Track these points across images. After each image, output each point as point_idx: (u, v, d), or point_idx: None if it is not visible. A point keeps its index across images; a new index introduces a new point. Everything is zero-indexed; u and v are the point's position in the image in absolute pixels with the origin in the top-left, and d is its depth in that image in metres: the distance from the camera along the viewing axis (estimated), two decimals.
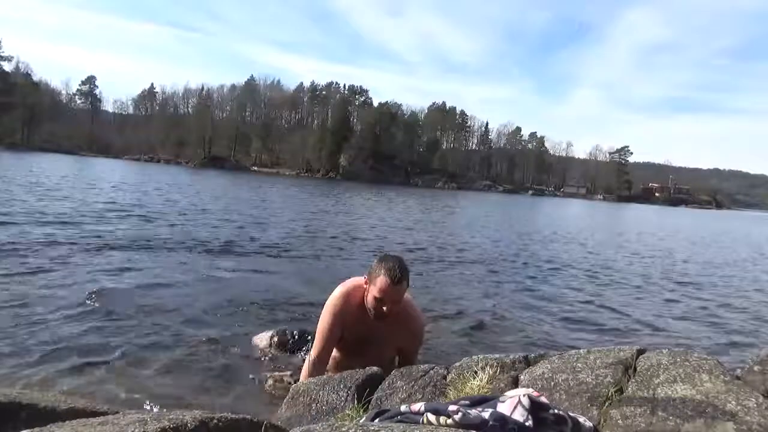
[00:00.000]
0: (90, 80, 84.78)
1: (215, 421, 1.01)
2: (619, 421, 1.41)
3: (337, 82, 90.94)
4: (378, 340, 2.41)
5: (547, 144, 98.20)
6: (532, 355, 1.94)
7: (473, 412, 1.16)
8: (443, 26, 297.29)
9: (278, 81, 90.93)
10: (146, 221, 8.87)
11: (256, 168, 72.92)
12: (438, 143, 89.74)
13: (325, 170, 73.50)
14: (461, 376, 1.79)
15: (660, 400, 1.45)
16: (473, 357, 1.95)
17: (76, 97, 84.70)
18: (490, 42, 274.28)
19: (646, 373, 1.63)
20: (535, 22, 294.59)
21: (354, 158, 75.51)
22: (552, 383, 1.66)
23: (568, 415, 1.27)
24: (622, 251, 11.30)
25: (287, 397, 1.96)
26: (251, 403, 2.43)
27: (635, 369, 1.68)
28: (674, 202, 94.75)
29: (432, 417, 1.17)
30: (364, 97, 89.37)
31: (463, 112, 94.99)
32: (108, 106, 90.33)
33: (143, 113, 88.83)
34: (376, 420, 1.25)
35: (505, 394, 1.32)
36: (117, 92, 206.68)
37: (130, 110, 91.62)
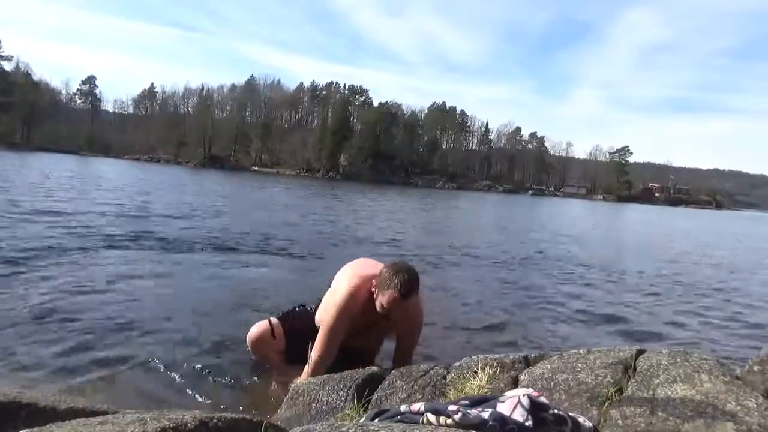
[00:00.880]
0: (90, 80, 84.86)
1: (215, 421, 1.01)
2: (619, 421, 1.41)
3: (337, 82, 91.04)
4: (379, 330, 2.50)
5: (547, 144, 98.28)
6: (532, 355, 1.94)
7: (473, 412, 1.16)
8: (443, 26, 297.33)
9: (278, 81, 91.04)
10: (151, 221, 8.87)
11: (256, 168, 72.91)
12: (438, 143, 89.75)
13: (325, 170, 73.50)
14: (461, 376, 1.80)
15: (660, 400, 1.46)
16: (473, 357, 1.95)
17: (76, 96, 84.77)
18: (490, 42, 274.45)
19: (646, 373, 1.63)
20: (535, 22, 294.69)
21: (354, 158, 75.54)
22: (552, 383, 1.66)
23: (568, 415, 1.27)
24: (624, 252, 11.29)
25: (287, 397, 1.96)
26: (251, 403, 2.43)
27: (635, 369, 1.68)
28: (674, 202, 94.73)
29: (432, 417, 1.17)
30: (364, 97, 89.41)
31: (463, 112, 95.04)
32: (108, 106, 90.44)
33: (143, 113, 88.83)
34: (376, 420, 1.25)
35: (505, 394, 1.32)
36: (117, 92, 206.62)
37: (130, 110, 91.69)
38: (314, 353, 2.34)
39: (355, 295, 2.37)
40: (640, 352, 1.82)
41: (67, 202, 10.64)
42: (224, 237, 7.77)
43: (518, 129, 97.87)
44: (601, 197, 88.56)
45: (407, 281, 2.17)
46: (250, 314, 3.84)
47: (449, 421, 1.14)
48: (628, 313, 5.16)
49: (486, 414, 1.16)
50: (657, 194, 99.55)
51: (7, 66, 69.84)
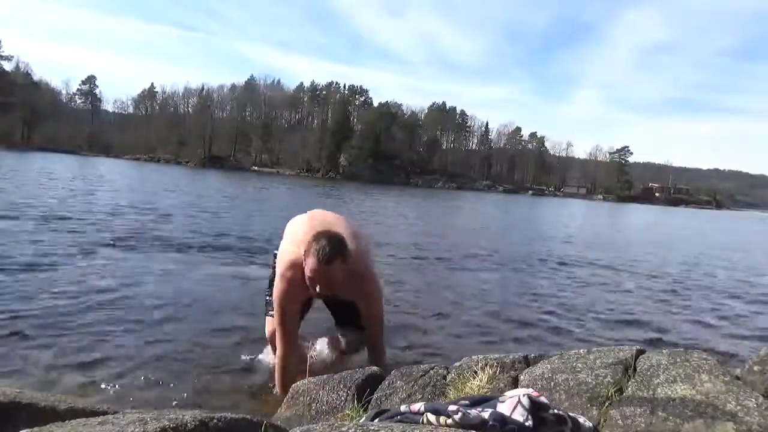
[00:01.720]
0: (90, 80, 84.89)
1: (215, 421, 1.01)
2: (619, 421, 1.41)
3: (337, 82, 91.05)
4: (341, 300, 2.44)
5: (547, 144, 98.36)
6: (532, 355, 1.94)
7: (473, 412, 1.16)
8: (443, 26, 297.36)
9: (278, 81, 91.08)
10: (157, 221, 8.87)
11: (256, 168, 72.95)
12: (438, 143, 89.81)
13: (325, 170, 73.52)
14: (461, 376, 1.80)
15: (660, 400, 1.46)
16: (473, 357, 1.95)
17: (76, 96, 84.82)
18: (490, 42, 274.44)
19: (646, 373, 1.63)
20: (536, 22, 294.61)
21: (354, 158, 75.53)
22: (552, 383, 1.66)
23: (568, 415, 1.27)
24: (627, 252, 11.29)
25: (287, 396, 1.96)
26: (251, 403, 2.43)
27: (635, 369, 1.68)
28: (674, 202, 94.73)
29: (432, 417, 1.17)
30: (364, 97, 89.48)
31: (463, 112, 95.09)
32: (108, 106, 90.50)
33: (143, 113, 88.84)
34: (376, 420, 1.25)
35: (505, 394, 1.32)
36: (117, 92, 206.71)
37: (130, 110, 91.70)
38: (276, 354, 2.41)
39: (289, 275, 2.28)
40: (640, 352, 1.82)
41: (68, 202, 10.64)
42: (230, 236, 7.77)
43: (518, 129, 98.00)
44: (601, 197, 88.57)
45: (325, 246, 2.06)
46: (254, 314, 3.84)
47: (449, 421, 1.14)
48: (629, 313, 5.15)
49: (486, 414, 1.16)
50: (657, 194, 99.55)
51: (7, 66, 70.02)
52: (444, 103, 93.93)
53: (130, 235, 7.09)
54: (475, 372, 1.78)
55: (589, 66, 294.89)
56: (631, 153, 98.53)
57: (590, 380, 1.62)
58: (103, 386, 2.49)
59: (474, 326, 4.17)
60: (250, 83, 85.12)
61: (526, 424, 1.15)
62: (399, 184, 64.26)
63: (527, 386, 1.61)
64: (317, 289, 2.15)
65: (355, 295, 2.38)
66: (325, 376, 2.01)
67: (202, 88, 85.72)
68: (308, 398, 1.85)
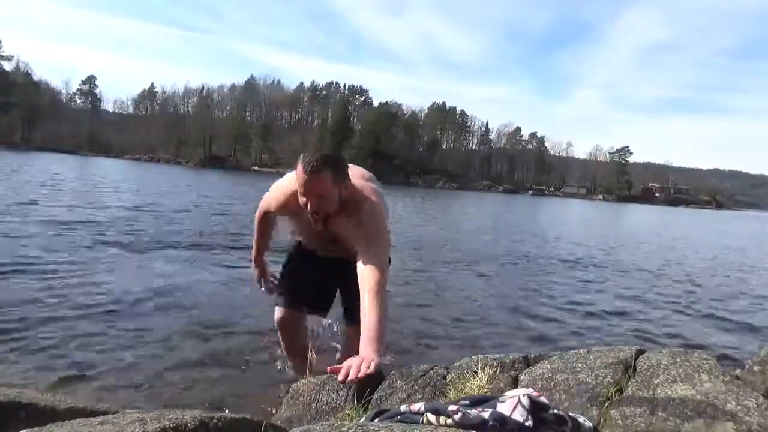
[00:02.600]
0: (90, 80, 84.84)
1: (215, 421, 1.01)
2: (619, 421, 1.41)
3: (337, 82, 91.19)
4: (334, 238, 2.13)
5: (547, 144, 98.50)
6: (532, 355, 1.94)
7: (473, 412, 1.16)
8: (443, 26, 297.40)
9: (278, 81, 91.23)
10: (160, 220, 8.87)
11: (256, 168, 72.95)
12: (438, 143, 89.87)
13: None
14: (461, 376, 1.79)
15: (660, 400, 1.46)
16: (473, 357, 1.95)
17: (76, 96, 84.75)
18: (490, 42, 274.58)
19: (646, 373, 1.63)
20: (536, 22, 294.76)
21: (354, 158, 75.35)
22: (552, 383, 1.66)
23: (568, 415, 1.27)
24: (629, 252, 11.29)
25: (287, 396, 1.96)
26: (251, 403, 2.43)
27: (635, 369, 1.68)
28: (674, 202, 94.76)
29: (432, 417, 1.17)
30: (364, 97, 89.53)
31: (463, 112, 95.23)
32: (108, 106, 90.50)
33: (143, 113, 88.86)
34: (376, 420, 1.25)
35: (505, 394, 1.32)
36: (117, 92, 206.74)
37: (130, 110, 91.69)
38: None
39: (282, 188, 2.21)
40: (640, 351, 1.82)
41: (69, 202, 10.64)
42: (235, 235, 7.77)
43: (518, 129, 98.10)
44: (601, 197, 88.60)
45: (312, 156, 1.89)
46: (256, 314, 3.84)
47: (449, 421, 1.14)
48: (630, 313, 5.16)
49: (486, 414, 1.16)
50: (657, 194, 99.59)
51: (7, 66, 70.01)
52: (444, 103, 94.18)
53: (131, 234, 7.09)
54: (475, 372, 1.78)
55: (589, 66, 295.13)
56: (631, 153, 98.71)
57: (590, 380, 1.62)
58: (103, 386, 2.49)
59: (474, 326, 4.18)
60: (250, 83, 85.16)
61: (526, 424, 1.15)
62: (399, 184, 64.22)
63: (527, 386, 1.61)
64: (308, 208, 1.95)
65: (354, 230, 2.02)
66: (325, 376, 2.01)
67: (202, 88, 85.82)
68: (308, 398, 1.85)
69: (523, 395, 1.22)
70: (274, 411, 2.01)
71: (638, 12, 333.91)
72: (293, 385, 2.01)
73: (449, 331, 3.98)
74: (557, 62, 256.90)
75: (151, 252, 6.06)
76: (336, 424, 1.01)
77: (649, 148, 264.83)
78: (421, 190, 54.48)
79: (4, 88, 64.62)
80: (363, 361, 1.60)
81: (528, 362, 1.88)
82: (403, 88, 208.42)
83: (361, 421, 1.28)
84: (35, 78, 73.81)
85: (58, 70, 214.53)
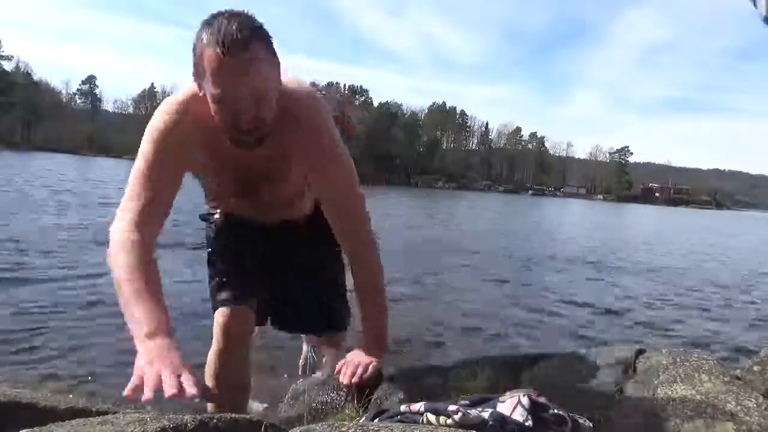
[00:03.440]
0: (90, 80, 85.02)
1: (215, 421, 1.01)
2: (619, 421, 1.41)
3: (337, 82, 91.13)
4: (270, 175, 1.43)
5: (547, 144, 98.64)
6: (532, 355, 1.94)
7: (473, 412, 1.16)
8: (443, 26, 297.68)
9: None
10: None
11: None
12: (438, 143, 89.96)
13: None
14: (461, 376, 1.80)
15: (660, 400, 1.46)
16: (473, 357, 1.96)
17: (77, 96, 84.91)
18: (490, 42, 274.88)
19: (646, 373, 1.63)
20: (536, 22, 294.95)
21: (354, 158, 75.51)
22: (552, 383, 1.66)
23: (568, 415, 1.27)
24: (631, 252, 11.29)
25: (287, 396, 1.96)
26: (251, 403, 2.43)
27: (635, 369, 1.69)
28: (674, 202, 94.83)
29: (432, 417, 1.17)
30: (364, 97, 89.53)
31: (463, 112, 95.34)
32: (108, 106, 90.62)
33: (143, 113, 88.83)
34: (376, 420, 1.25)
35: (505, 394, 1.32)
36: (117, 92, 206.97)
37: (131, 110, 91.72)
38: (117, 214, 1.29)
39: (181, 112, 1.24)
40: (640, 351, 1.82)
41: (70, 201, 10.64)
42: None
43: (518, 129, 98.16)
44: (601, 197, 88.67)
45: (227, 24, 1.05)
46: None
47: (449, 421, 1.14)
48: (630, 313, 5.16)
49: (486, 414, 1.16)
50: (657, 194, 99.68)
51: (7, 66, 70.06)
52: (444, 103, 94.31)
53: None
54: (475, 372, 1.78)
55: (589, 66, 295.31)
56: (631, 153, 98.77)
57: (590, 380, 1.62)
58: (103, 386, 2.49)
59: (474, 326, 4.18)
60: None
61: (526, 424, 1.15)
62: (399, 184, 64.26)
63: (527, 386, 1.61)
64: (238, 122, 1.13)
65: (306, 155, 1.35)
66: (325, 375, 2.02)
67: None
68: (308, 398, 1.85)
69: (523, 395, 1.21)
70: (274, 411, 2.01)
71: (638, 12, 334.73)
72: (293, 385, 2.01)
73: (449, 331, 3.98)
74: (557, 62, 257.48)
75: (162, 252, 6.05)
76: (336, 424, 1.01)
77: (649, 148, 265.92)
78: (421, 190, 54.48)
79: (4, 88, 64.68)
80: (368, 362, 1.41)
81: (528, 362, 1.88)
82: (403, 88, 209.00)
83: (361, 421, 1.29)
84: (35, 78, 74.04)
85: (58, 70, 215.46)
